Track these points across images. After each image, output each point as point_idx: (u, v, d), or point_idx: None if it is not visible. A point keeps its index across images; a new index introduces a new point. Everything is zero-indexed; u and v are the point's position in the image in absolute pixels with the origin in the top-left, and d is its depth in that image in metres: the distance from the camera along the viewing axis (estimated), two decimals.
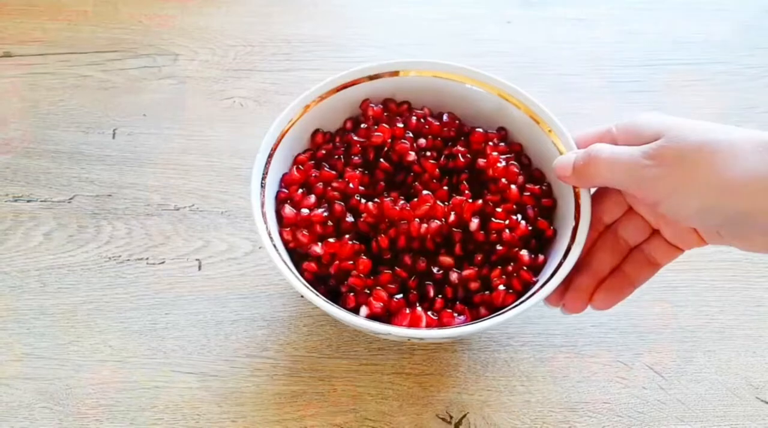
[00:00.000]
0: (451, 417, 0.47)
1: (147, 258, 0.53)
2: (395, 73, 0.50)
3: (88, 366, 0.48)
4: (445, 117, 0.49)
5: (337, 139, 0.49)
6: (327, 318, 0.50)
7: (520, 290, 0.43)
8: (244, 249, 0.53)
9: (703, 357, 0.49)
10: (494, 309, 0.43)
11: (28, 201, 0.55)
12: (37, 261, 0.52)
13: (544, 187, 0.47)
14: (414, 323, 0.42)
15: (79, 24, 0.65)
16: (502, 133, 0.49)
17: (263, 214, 0.44)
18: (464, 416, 0.47)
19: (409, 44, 0.66)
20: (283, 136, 0.47)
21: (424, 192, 0.45)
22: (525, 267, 0.44)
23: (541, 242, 0.46)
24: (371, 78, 0.49)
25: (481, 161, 0.47)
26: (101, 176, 0.57)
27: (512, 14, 0.67)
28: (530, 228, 0.45)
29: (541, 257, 0.44)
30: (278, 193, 0.46)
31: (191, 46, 0.64)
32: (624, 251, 0.43)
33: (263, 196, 0.44)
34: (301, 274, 0.43)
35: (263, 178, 0.45)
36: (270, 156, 0.46)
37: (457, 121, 0.50)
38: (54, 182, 0.56)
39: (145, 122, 0.60)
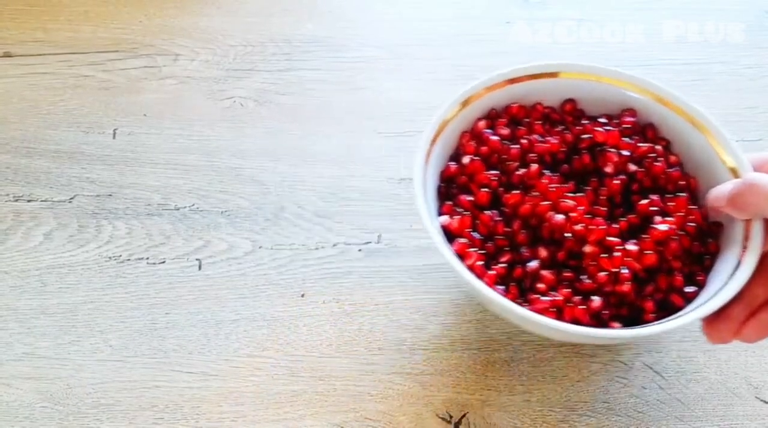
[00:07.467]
0: (451, 417, 0.47)
1: (147, 258, 0.53)
2: (554, 75, 0.50)
3: (88, 365, 0.48)
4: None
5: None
6: (327, 318, 0.50)
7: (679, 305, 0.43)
8: (244, 249, 0.53)
9: (703, 356, 0.49)
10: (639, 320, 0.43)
11: (29, 201, 0.55)
12: (37, 261, 0.53)
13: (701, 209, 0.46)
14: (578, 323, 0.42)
15: (79, 24, 0.65)
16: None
17: (426, 197, 0.44)
18: (464, 415, 0.47)
19: (409, 44, 0.66)
20: (443, 127, 0.47)
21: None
22: (678, 289, 0.43)
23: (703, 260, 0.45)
24: (532, 77, 0.49)
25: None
26: (102, 176, 0.57)
27: (512, 14, 0.67)
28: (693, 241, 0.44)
29: (701, 276, 0.44)
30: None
31: (191, 46, 0.64)
32: None
33: (426, 183, 0.44)
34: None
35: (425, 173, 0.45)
36: (431, 145, 0.46)
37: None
38: (54, 182, 0.56)
39: (145, 122, 0.60)
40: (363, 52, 0.65)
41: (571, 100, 0.50)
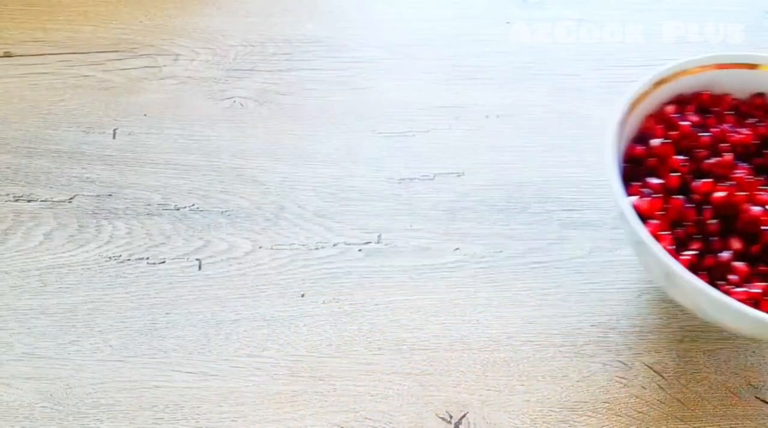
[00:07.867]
0: (450, 417, 0.47)
1: (147, 258, 0.53)
2: (752, 66, 0.49)
3: (88, 365, 0.48)
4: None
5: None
6: (327, 318, 0.50)
7: None
8: (244, 249, 0.53)
9: (703, 356, 0.49)
10: None
11: (29, 201, 0.55)
12: (37, 261, 0.53)
13: None
14: None
15: (79, 24, 0.65)
16: None
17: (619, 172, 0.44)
18: (464, 415, 0.47)
19: (409, 44, 0.66)
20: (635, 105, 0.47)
21: None
22: None
23: None
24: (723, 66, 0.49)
25: None
26: (102, 176, 0.57)
27: (512, 14, 0.67)
28: None
29: None
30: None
31: (192, 46, 0.64)
32: None
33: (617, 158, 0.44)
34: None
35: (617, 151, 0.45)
36: (623, 124, 0.45)
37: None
38: (54, 182, 0.56)
39: (145, 122, 0.60)
40: (363, 52, 0.65)
41: (761, 94, 0.50)
